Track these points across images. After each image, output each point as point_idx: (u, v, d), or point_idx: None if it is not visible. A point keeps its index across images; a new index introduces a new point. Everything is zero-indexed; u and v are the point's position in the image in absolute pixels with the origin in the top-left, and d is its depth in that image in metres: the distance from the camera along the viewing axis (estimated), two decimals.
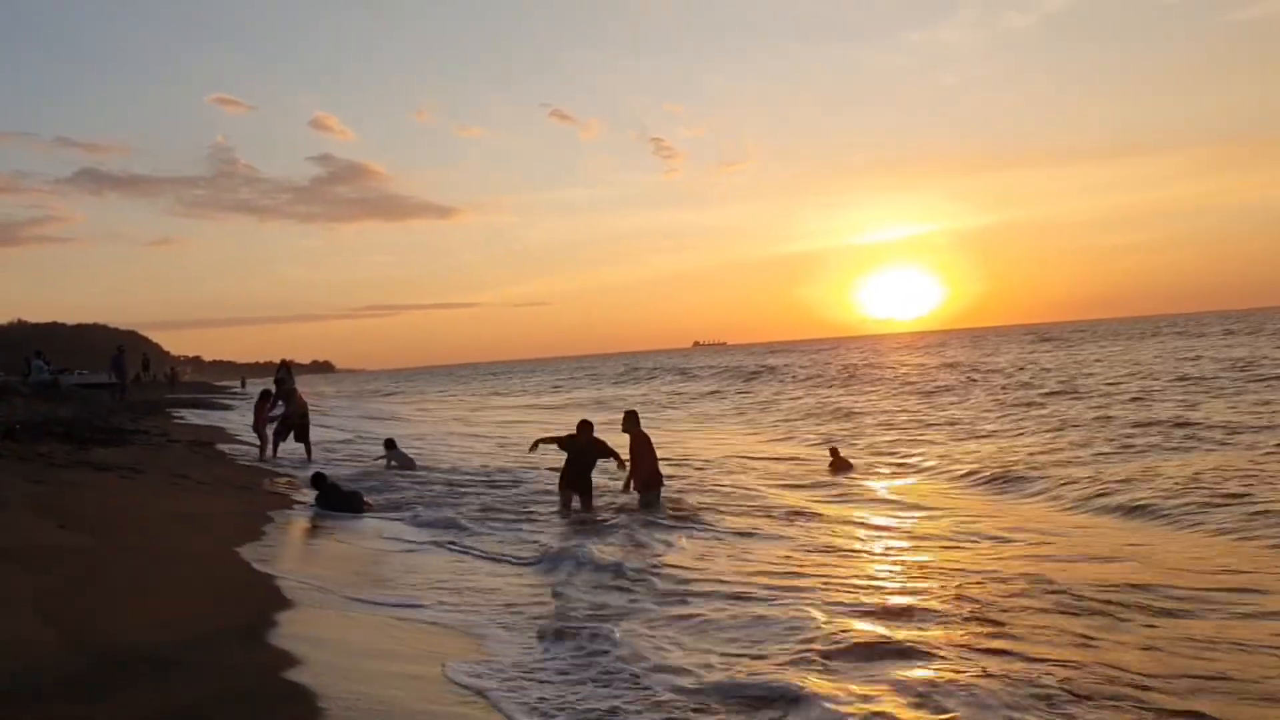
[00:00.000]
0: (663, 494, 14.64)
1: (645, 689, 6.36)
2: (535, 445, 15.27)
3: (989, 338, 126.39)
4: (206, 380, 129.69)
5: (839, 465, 19.68)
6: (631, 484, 14.80)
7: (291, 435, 21.04)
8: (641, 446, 14.71)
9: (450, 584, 9.62)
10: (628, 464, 14.81)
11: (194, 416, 35.43)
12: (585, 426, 14.94)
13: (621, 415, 15.48)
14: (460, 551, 11.43)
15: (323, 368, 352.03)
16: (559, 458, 15.20)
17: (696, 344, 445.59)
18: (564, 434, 15.07)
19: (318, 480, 14.38)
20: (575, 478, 14.54)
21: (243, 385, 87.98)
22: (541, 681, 6.53)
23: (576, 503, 14.41)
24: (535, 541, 11.84)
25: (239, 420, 32.45)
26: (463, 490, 16.60)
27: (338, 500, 13.82)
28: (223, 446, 22.57)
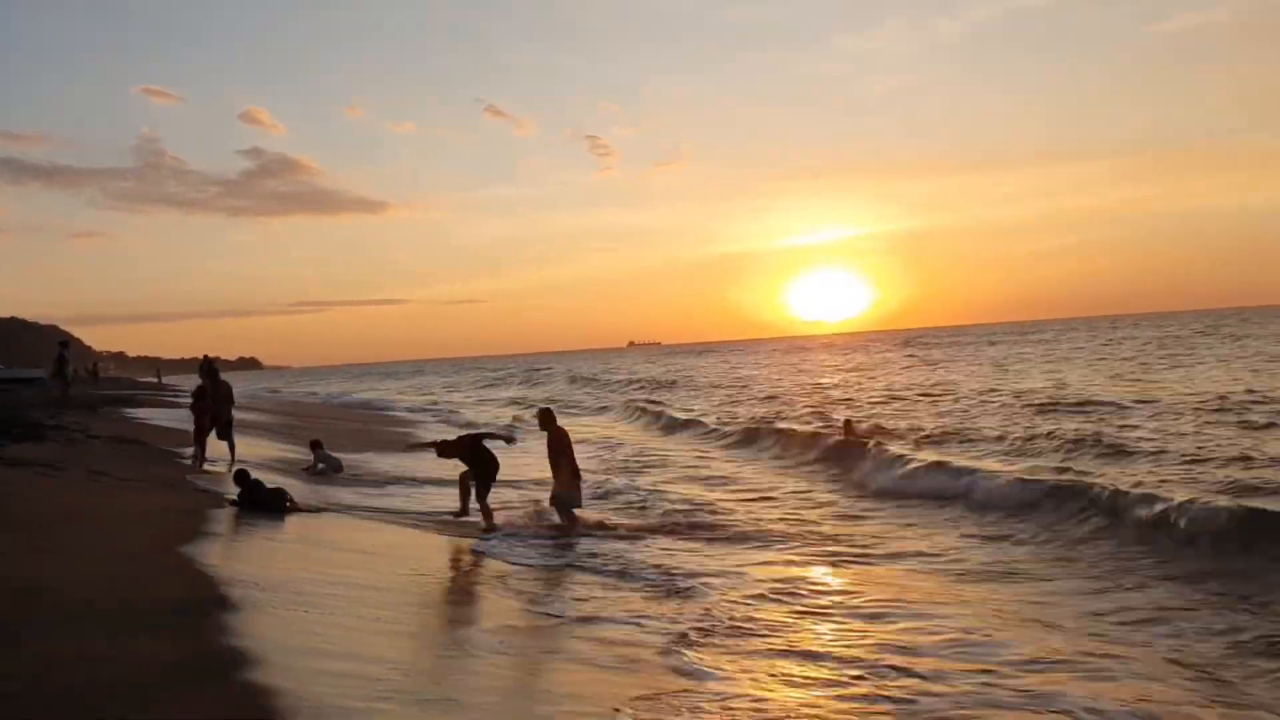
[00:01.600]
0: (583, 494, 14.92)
1: None
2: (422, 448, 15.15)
3: (912, 340, 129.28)
4: (130, 376, 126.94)
5: (850, 434, 23.61)
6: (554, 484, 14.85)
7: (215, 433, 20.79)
8: (560, 443, 14.85)
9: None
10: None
11: (142, 414, 34.73)
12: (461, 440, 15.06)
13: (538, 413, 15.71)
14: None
15: (249, 364, 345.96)
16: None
17: (631, 344, 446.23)
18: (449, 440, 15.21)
19: (240, 478, 14.34)
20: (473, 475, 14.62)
21: (159, 379, 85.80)
22: None
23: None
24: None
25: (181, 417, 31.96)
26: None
27: (260, 498, 13.83)
28: (150, 442, 22.27)
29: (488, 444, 14.84)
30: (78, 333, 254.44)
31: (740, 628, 8.81)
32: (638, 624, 8.92)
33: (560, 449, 14.74)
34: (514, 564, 11.77)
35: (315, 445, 20.42)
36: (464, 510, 14.49)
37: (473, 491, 14.45)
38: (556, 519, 14.40)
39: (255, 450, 21.99)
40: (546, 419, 15.16)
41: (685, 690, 7.00)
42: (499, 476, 14.76)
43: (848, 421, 25.79)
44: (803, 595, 10.18)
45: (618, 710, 6.39)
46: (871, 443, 22.04)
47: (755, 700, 6.83)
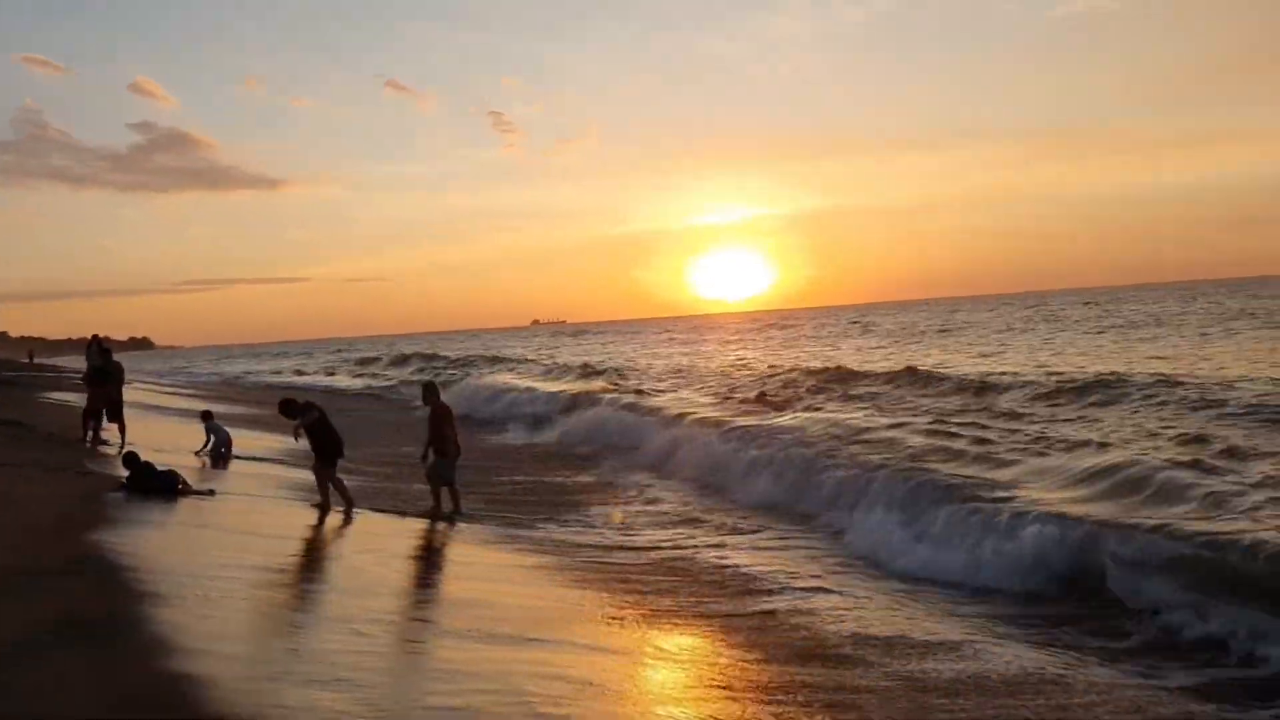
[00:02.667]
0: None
1: None
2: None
3: (806, 320, 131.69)
4: (11, 358, 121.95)
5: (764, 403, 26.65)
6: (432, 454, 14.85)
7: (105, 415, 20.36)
8: (441, 417, 14.90)
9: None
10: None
11: (20, 395, 33.46)
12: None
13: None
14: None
15: (140, 345, 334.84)
16: None
17: (536, 322, 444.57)
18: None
19: (130, 460, 14.14)
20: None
21: (30, 360, 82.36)
22: None
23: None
24: None
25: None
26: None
27: (152, 481, 13.67)
28: (35, 424, 21.63)
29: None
30: None
31: None
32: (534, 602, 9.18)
33: (440, 422, 14.82)
34: (408, 541, 11.94)
35: (206, 416, 20.06)
36: (325, 504, 14.02)
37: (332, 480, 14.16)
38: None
39: (261, 443, 21.55)
40: (429, 393, 15.24)
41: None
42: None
43: (762, 394, 28.13)
44: None
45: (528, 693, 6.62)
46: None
47: None
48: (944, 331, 68.08)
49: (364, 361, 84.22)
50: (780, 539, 13.85)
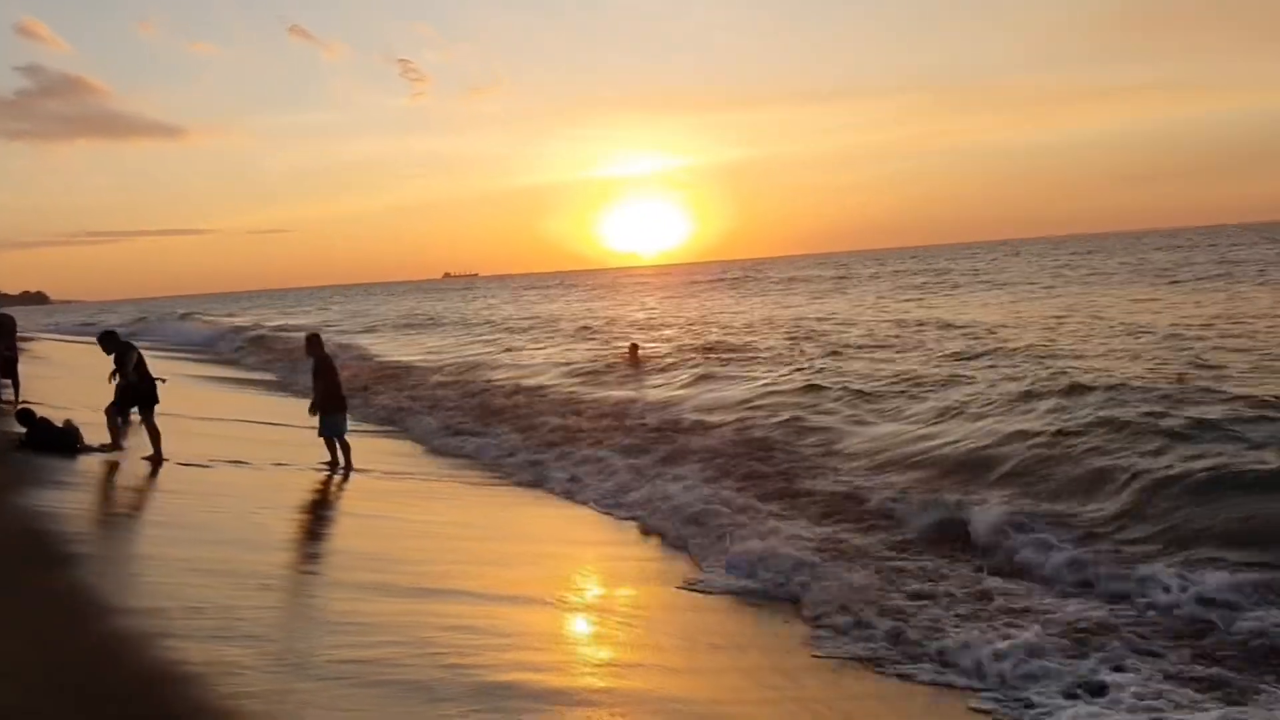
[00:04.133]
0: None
1: None
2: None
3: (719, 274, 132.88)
4: None
5: (635, 360, 26.67)
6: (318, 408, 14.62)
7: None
8: (325, 369, 14.76)
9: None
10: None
11: None
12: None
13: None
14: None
15: (34, 299, 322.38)
16: None
17: (447, 275, 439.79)
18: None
19: (25, 417, 13.81)
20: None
21: None
22: None
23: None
24: None
25: None
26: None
27: (50, 438, 13.41)
28: None
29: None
30: None
31: None
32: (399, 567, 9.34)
33: (324, 374, 14.67)
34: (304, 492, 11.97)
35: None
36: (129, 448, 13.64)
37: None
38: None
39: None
40: (313, 344, 15.04)
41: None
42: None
43: (634, 346, 28.06)
44: None
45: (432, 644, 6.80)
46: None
47: None
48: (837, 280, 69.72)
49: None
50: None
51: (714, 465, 14.42)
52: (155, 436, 13.50)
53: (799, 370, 23.10)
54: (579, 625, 7.78)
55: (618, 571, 9.89)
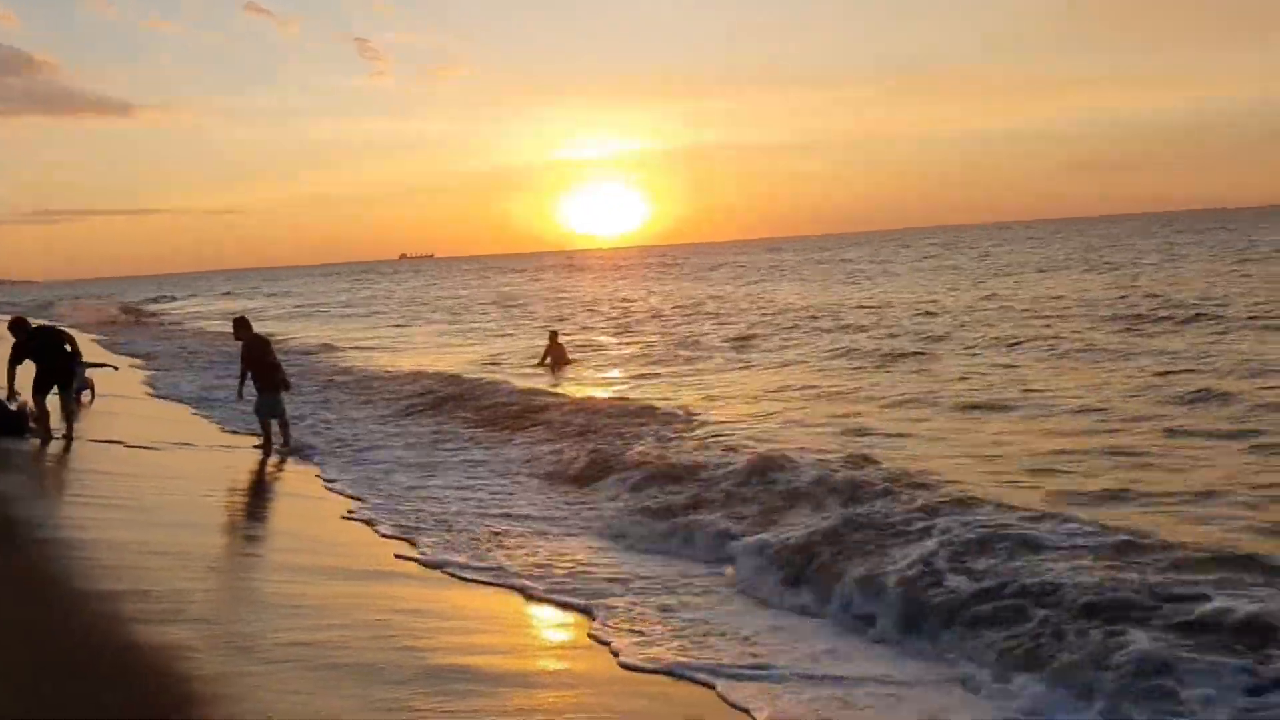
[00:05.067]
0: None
1: None
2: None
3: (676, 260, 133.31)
4: None
5: (556, 355, 23.61)
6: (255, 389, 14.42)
7: None
8: (257, 350, 14.56)
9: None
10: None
11: None
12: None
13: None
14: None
15: None
16: None
17: (403, 256, 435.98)
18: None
19: None
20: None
21: None
22: None
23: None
24: None
25: None
26: None
27: (2, 422, 13.31)
28: None
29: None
30: None
31: None
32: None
33: (257, 356, 14.42)
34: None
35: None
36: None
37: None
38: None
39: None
40: (240, 327, 14.82)
41: None
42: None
43: (553, 334, 25.16)
44: None
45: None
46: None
47: None
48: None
49: None
50: None
51: None
52: (69, 415, 13.47)
53: None
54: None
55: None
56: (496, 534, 9.55)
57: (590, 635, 6.88)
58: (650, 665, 6.30)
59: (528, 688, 5.93)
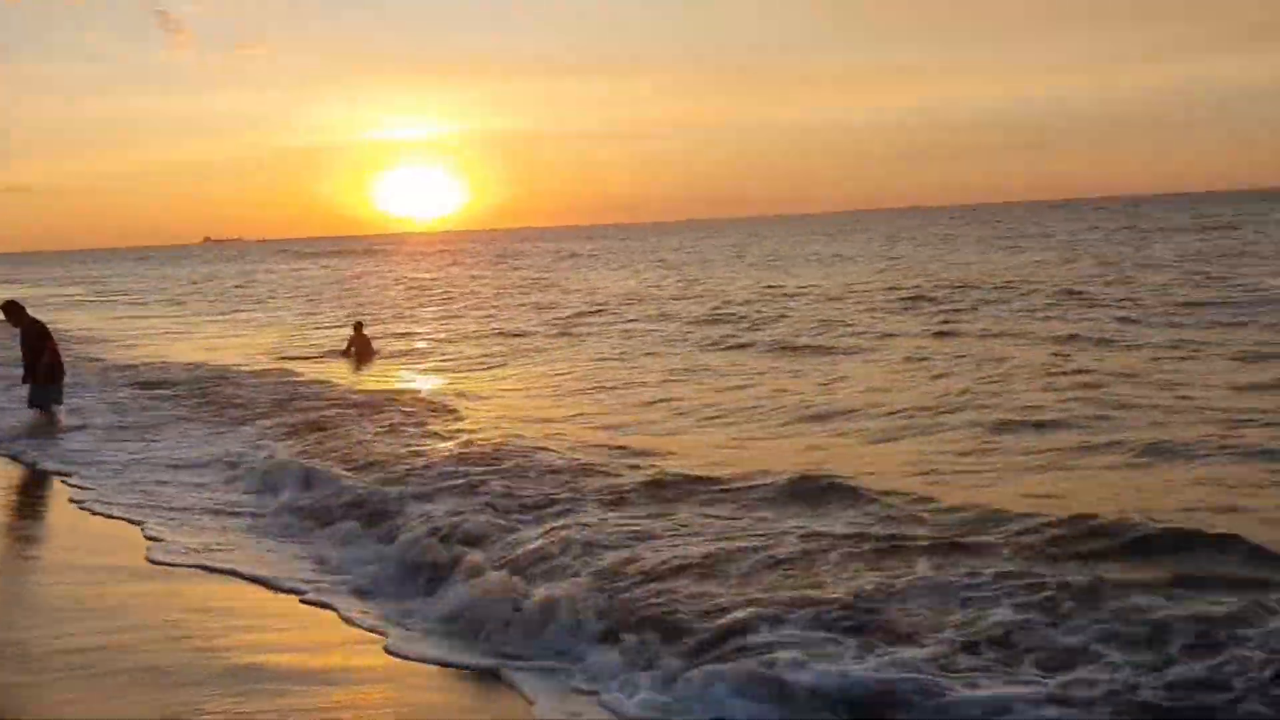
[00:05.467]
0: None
1: None
2: None
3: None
4: None
5: (361, 347, 20.96)
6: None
7: None
8: (34, 337, 13.72)
9: None
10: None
11: None
12: None
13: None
14: None
15: None
16: None
17: (208, 240, 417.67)
18: None
19: None
20: None
21: None
22: None
23: None
24: None
25: None
26: None
27: None
28: None
29: None
30: None
31: None
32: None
33: (36, 343, 13.65)
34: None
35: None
36: None
37: None
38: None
39: None
40: (12, 311, 13.89)
41: None
42: None
43: (358, 324, 22.39)
44: None
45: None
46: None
47: None
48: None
49: None
50: None
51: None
52: None
53: None
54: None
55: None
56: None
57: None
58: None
59: (340, 684, 5.63)
